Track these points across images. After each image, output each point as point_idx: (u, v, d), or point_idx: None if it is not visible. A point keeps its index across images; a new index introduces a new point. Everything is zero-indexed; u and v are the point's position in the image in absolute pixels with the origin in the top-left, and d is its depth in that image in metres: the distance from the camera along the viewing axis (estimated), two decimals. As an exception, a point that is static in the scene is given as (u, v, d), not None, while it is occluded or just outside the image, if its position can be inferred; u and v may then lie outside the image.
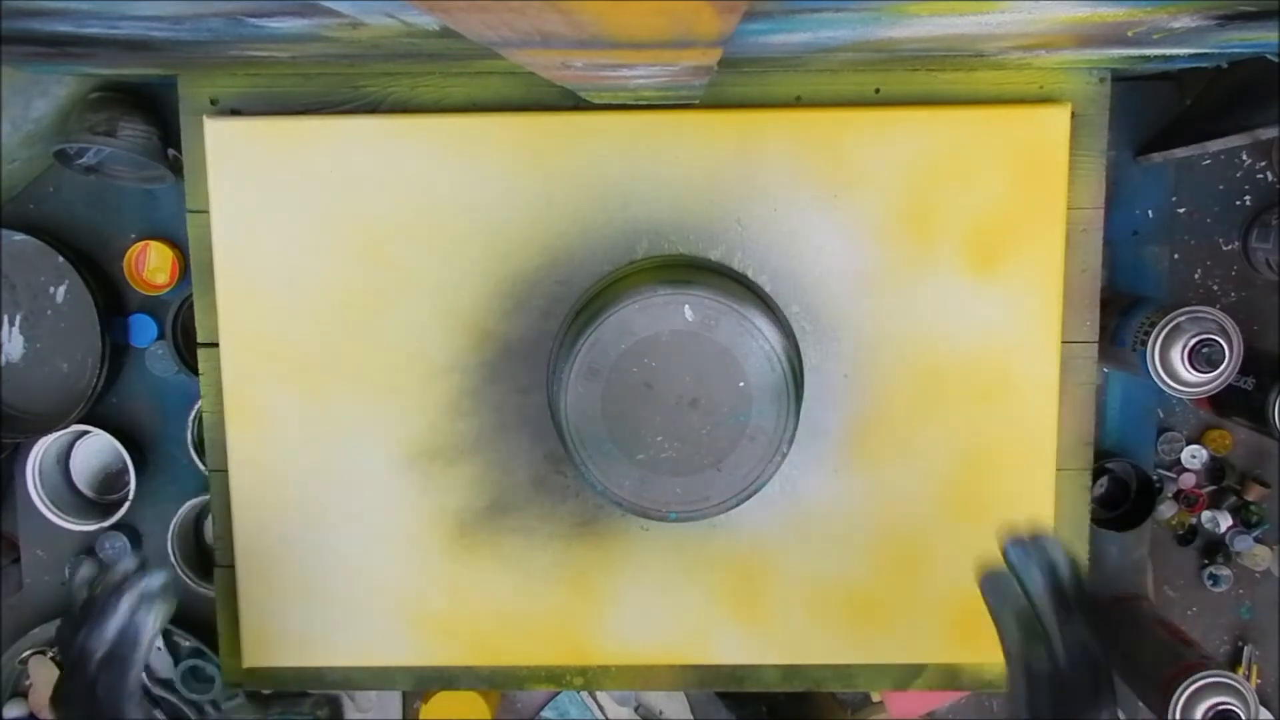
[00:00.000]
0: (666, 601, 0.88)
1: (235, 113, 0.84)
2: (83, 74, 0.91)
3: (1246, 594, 1.06)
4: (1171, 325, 0.86)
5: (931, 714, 1.08)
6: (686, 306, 0.73)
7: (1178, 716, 0.88)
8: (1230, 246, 1.01)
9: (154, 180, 0.98)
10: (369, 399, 0.86)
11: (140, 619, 0.72)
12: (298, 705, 1.07)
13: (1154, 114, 0.96)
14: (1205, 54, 0.74)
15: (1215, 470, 1.04)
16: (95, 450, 1.07)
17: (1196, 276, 1.01)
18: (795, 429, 0.76)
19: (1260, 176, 1.00)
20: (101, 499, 1.07)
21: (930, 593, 0.87)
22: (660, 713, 1.09)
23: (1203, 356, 0.85)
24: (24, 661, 1.06)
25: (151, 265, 1.00)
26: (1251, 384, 0.90)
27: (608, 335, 0.74)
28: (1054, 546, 0.66)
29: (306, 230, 0.83)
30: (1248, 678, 1.05)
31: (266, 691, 1.05)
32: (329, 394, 0.86)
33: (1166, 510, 1.04)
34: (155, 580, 0.74)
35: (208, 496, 0.91)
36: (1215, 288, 1.01)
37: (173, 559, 1.02)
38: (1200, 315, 0.86)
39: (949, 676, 0.91)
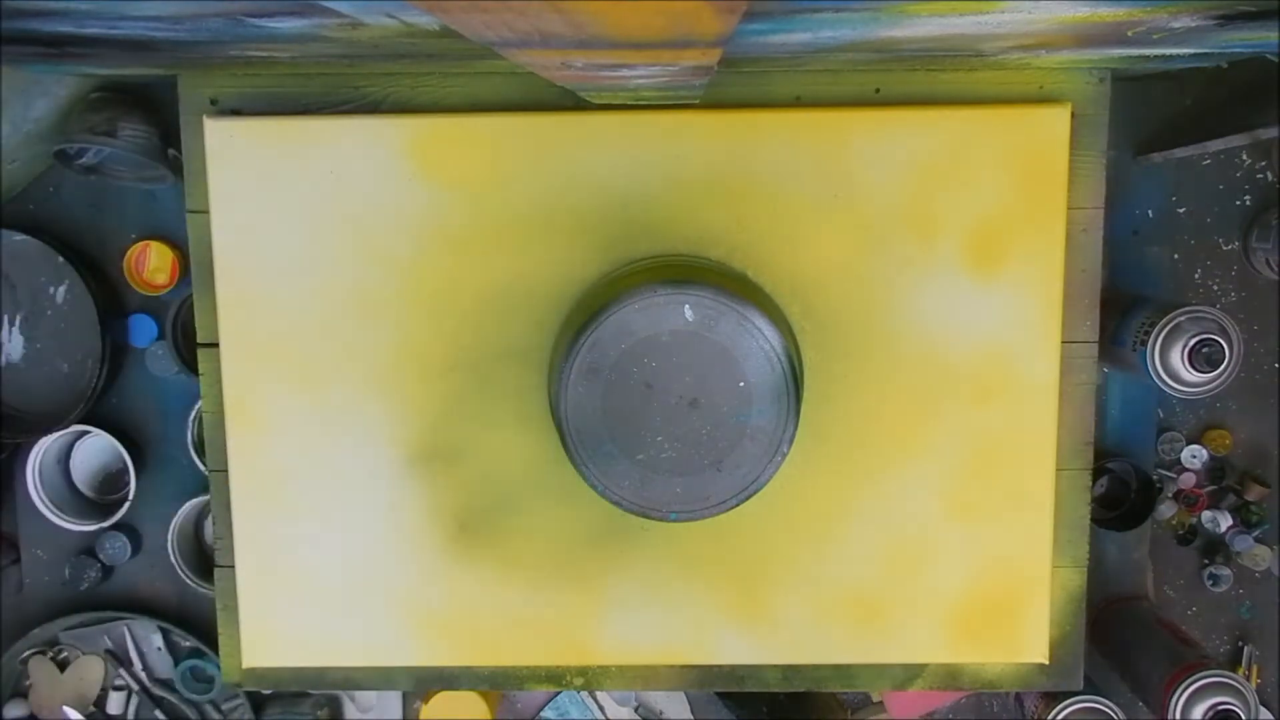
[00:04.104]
0: (667, 601, 0.88)
1: (235, 113, 0.84)
2: (83, 74, 0.91)
3: (1246, 594, 1.05)
4: (1171, 325, 0.86)
5: (931, 714, 1.08)
6: (686, 306, 0.73)
7: (1177, 716, 0.88)
8: (1230, 246, 1.01)
9: (154, 180, 0.98)
10: (369, 399, 0.86)
11: None
12: (298, 705, 1.07)
13: (1154, 114, 0.96)
14: (1205, 54, 0.74)
15: (1215, 470, 1.04)
16: (95, 450, 1.07)
17: (1196, 276, 1.01)
18: (795, 429, 0.76)
19: (1260, 176, 1.00)
20: (102, 499, 1.07)
21: (930, 593, 0.87)
22: (660, 713, 1.09)
23: (1203, 356, 0.85)
24: (25, 661, 1.06)
25: (151, 265, 1.00)
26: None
27: (608, 335, 0.74)
28: None
29: (307, 230, 0.83)
30: (1248, 678, 1.05)
31: (266, 691, 1.05)
32: (329, 394, 0.86)
33: (1166, 510, 1.04)
34: None
35: (208, 497, 0.91)
36: (1215, 287, 1.01)
37: (173, 559, 1.03)
38: (1200, 315, 0.86)
39: (949, 676, 0.91)
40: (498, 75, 0.83)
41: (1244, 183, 1.00)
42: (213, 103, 0.84)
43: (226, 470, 0.87)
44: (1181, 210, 1.00)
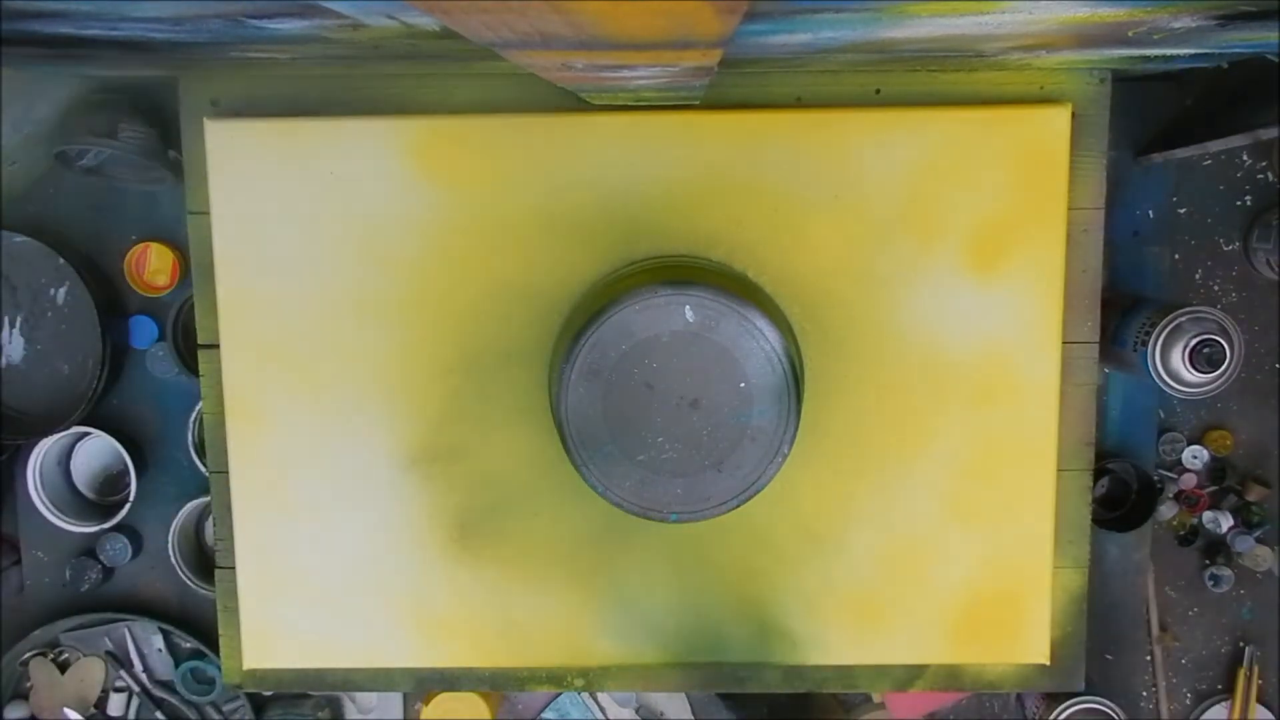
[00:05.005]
0: (667, 602, 0.88)
1: (236, 114, 0.84)
2: (83, 76, 0.91)
3: (1248, 594, 1.05)
4: (1172, 325, 0.86)
5: (933, 715, 1.08)
6: (687, 307, 0.73)
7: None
8: (1231, 247, 1.01)
9: (154, 182, 0.98)
10: (369, 400, 0.86)
11: None
12: (298, 706, 1.07)
13: (1154, 114, 0.96)
14: (1205, 54, 0.74)
15: (1216, 470, 1.04)
16: (96, 452, 1.07)
17: (1197, 277, 1.01)
18: (796, 429, 0.76)
19: (1261, 177, 1.00)
20: (102, 500, 1.07)
21: (931, 593, 0.87)
22: (661, 713, 1.09)
23: (1204, 357, 0.85)
24: (25, 663, 1.06)
25: (152, 267, 1.00)
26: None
27: (608, 336, 0.74)
28: None
29: (307, 232, 0.83)
30: (1249, 679, 1.05)
31: (267, 693, 1.05)
32: (330, 395, 0.86)
33: (1167, 511, 1.04)
34: None
35: (208, 498, 0.91)
36: (1216, 288, 1.01)
37: (174, 560, 1.02)
38: (1201, 315, 0.86)
39: (950, 677, 0.91)
40: (498, 76, 0.83)
41: (1244, 183, 1.00)
42: (213, 104, 0.84)
43: (227, 471, 0.87)
44: (1182, 210, 1.00)
